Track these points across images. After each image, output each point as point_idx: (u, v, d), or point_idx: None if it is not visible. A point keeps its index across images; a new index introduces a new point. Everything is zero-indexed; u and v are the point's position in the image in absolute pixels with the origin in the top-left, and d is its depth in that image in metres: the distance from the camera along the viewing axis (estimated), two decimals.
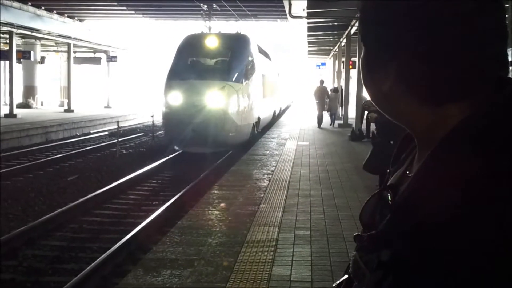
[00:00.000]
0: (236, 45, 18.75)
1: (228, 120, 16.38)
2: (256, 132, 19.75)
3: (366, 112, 18.03)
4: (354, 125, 20.28)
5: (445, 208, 0.74)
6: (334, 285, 1.02)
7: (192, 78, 16.85)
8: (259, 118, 20.27)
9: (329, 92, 26.28)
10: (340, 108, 26.68)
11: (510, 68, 0.90)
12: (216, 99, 16.27)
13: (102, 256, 7.17)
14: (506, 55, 0.86)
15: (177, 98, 16.56)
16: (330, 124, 25.25)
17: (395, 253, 0.79)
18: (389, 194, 0.91)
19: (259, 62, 20.64)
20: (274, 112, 28.16)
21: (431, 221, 0.74)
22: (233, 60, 17.94)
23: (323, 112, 25.45)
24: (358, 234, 0.94)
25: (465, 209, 0.72)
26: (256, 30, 34.32)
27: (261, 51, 23.18)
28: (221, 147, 16.63)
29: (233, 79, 17.15)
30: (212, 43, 18.21)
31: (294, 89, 57.36)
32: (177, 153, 17.66)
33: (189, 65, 18.24)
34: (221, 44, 18.27)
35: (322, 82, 26.56)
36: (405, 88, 0.86)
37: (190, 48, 18.68)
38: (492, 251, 0.70)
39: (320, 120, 24.68)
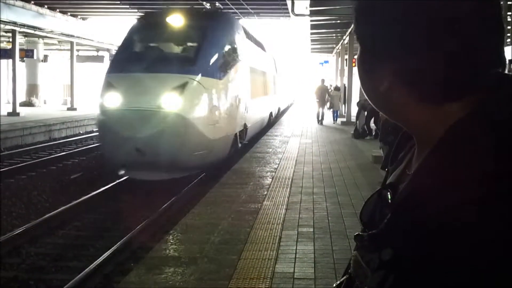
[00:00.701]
0: (210, 26, 13.07)
1: (193, 133, 11.18)
2: (239, 145, 14.51)
3: (365, 112, 18.15)
4: (358, 123, 20.27)
5: (445, 207, 0.73)
6: (334, 285, 1.02)
7: (139, 70, 11.61)
8: (245, 126, 15.01)
9: (330, 91, 26.72)
10: (343, 105, 26.87)
11: None
12: (174, 101, 11.04)
13: (104, 254, 7.17)
14: (504, 52, 0.86)
15: (114, 99, 11.33)
16: (333, 122, 25.66)
17: (396, 252, 0.79)
18: (388, 193, 0.90)
19: (247, 51, 15.65)
20: (271, 114, 23.02)
21: (432, 220, 0.74)
22: (204, 45, 12.48)
23: (325, 110, 25.84)
24: (358, 233, 0.93)
25: (466, 208, 0.72)
26: (259, 27, 34.17)
27: (251, 38, 17.90)
28: (183, 171, 11.53)
29: (203, 72, 11.84)
30: (175, 22, 12.98)
31: (296, 87, 52.86)
32: None
33: (139, 52, 12.91)
34: (188, 23, 13.01)
35: (323, 81, 26.97)
36: (403, 88, 0.85)
37: (145, 30, 13.69)
38: (494, 250, 0.70)
39: (319, 117, 25.18)
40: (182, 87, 11.14)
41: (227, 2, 23.90)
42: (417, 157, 0.91)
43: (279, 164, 12.33)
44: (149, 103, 10.98)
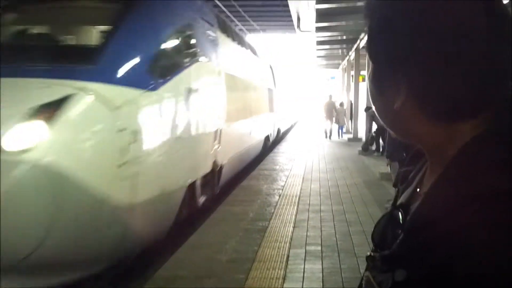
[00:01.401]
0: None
1: (78, 199, 5.15)
2: (202, 200, 8.94)
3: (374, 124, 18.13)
4: (364, 138, 20.26)
5: (458, 228, 0.72)
6: None
7: None
8: (216, 165, 9.56)
9: (337, 106, 27.62)
10: (350, 121, 27.23)
11: None
12: (34, 135, 5.04)
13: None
14: None
15: None
16: (339, 137, 26.64)
17: (409, 273, 0.78)
18: (400, 214, 0.90)
19: (219, 49, 10.15)
20: (267, 139, 18.18)
21: (445, 241, 0.73)
22: (121, 29, 6.64)
23: (332, 125, 26.99)
24: (370, 254, 0.93)
25: (479, 228, 0.71)
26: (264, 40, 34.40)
27: (229, 32, 12.31)
28: (62, 274, 5.45)
29: (112, 76, 6.03)
30: None
31: (301, 104, 50.18)
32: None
33: None
34: None
35: (330, 97, 28.18)
36: (417, 105, 0.85)
37: (19, 6, 7.51)
38: (509, 271, 0.68)
39: (327, 132, 26.44)
40: (56, 105, 5.27)
41: (233, 18, 24.11)
42: (429, 176, 0.91)
43: (286, 181, 12.31)
44: None
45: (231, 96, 10.84)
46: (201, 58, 8.62)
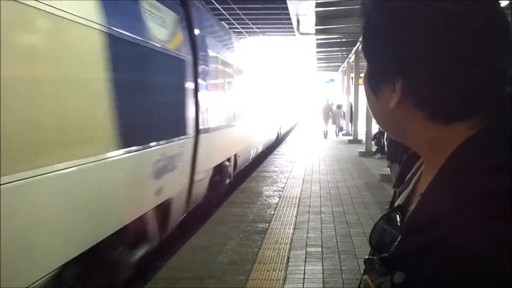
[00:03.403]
0: None
1: None
2: None
3: None
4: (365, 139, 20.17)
5: (455, 229, 0.73)
6: None
7: None
8: None
9: (334, 109, 29.51)
10: (350, 123, 27.49)
11: None
12: None
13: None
14: None
15: None
16: (336, 136, 28.59)
17: (408, 276, 0.78)
18: (397, 216, 0.90)
19: None
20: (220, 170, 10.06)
21: (441, 242, 0.73)
22: None
23: (328, 126, 28.81)
24: (368, 257, 0.93)
25: (475, 229, 0.71)
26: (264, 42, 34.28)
27: None
28: None
29: None
30: None
31: (300, 106, 49.36)
32: None
33: None
34: None
35: (327, 100, 30.34)
36: (412, 105, 0.85)
37: None
38: (506, 271, 0.68)
39: (325, 133, 28.16)
40: None
41: (233, 22, 24.08)
42: (426, 177, 0.91)
43: (286, 183, 12.29)
44: None
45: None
46: None
